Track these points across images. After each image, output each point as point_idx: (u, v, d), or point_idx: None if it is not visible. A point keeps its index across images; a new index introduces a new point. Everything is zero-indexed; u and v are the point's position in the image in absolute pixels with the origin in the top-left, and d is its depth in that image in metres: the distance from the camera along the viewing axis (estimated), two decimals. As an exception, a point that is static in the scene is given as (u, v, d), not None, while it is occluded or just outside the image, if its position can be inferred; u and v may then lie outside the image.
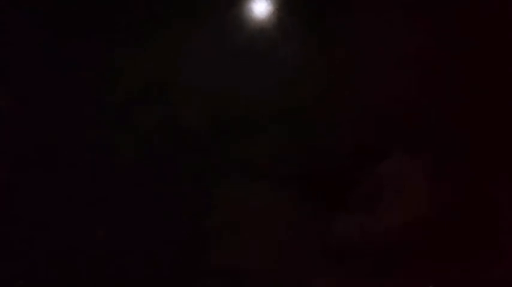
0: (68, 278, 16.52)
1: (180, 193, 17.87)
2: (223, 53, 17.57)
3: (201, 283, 17.23)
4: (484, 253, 16.25)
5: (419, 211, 16.58)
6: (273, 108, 18.02)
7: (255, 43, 17.44)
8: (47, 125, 17.37)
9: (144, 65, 17.59)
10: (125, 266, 17.23)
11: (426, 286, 16.84)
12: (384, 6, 16.94)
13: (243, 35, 17.43)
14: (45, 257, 16.61)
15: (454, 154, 17.44)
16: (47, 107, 17.44)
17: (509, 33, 16.55)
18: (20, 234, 16.39)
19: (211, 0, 17.28)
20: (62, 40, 16.92)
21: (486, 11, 16.39)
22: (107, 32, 17.23)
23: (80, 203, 17.33)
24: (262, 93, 17.84)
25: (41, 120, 17.34)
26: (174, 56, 17.58)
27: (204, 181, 18.24)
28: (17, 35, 16.55)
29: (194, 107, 17.92)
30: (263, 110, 18.03)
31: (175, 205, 17.98)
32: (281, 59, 17.60)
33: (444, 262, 16.41)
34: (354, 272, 16.69)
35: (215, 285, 17.11)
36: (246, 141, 17.94)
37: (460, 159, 17.39)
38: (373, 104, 17.62)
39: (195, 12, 17.12)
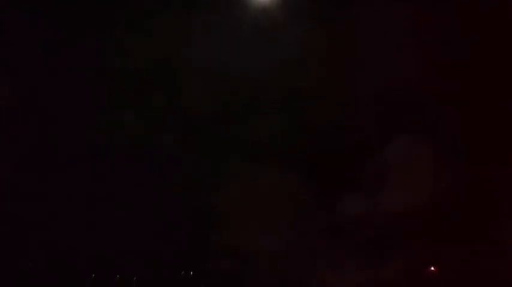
0: (68, 278, 16.50)
1: (180, 192, 17.87)
2: (224, 40, 17.47)
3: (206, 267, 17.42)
4: (484, 237, 16.32)
5: (421, 196, 16.56)
6: (275, 93, 18.02)
7: (257, 29, 17.25)
8: (47, 125, 17.37)
9: (144, 65, 17.56)
10: (125, 266, 17.21)
11: (427, 267, 17.02)
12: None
13: (245, 21, 17.23)
14: (45, 257, 16.60)
15: (456, 143, 17.43)
16: (47, 107, 17.44)
17: (510, 28, 16.47)
18: (20, 234, 16.39)
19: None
20: (62, 40, 16.93)
21: (486, 5, 16.33)
22: (107, 31, 17.21)
23: (79, 203, 17.32)
24: (264, 80, 17.78)
25: (41, 120, 17.35)
26: (177, 45, 17.42)
27: (206, 168, 18.26)
28: (17, 35, 16.57)
29: (195, 93, 17.80)
30: (265, 97, 18.03)
31: (175, 205, 17.99)
32: (283, 47, 17.50)
33: (444, 246, 16.51)
34: (355, 253, 16.89)
35: (220, 267, 17.30)
36: (248, 126, 17.95)
37: (462, 148, 17.39)
38: (375, 91, 17.61)
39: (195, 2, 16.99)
